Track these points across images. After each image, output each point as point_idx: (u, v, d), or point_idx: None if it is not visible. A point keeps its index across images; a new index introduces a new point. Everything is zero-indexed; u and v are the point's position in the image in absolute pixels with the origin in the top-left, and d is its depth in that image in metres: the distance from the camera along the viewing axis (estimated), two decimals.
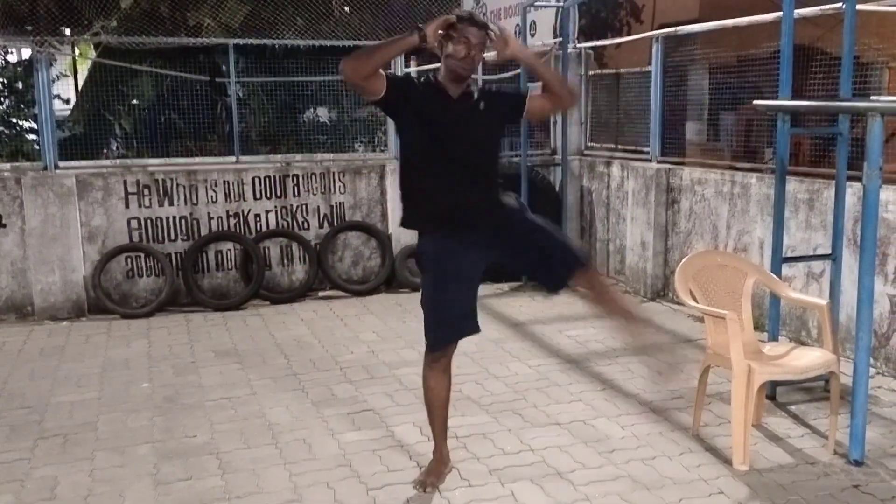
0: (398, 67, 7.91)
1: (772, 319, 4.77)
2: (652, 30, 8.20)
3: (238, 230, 7.49)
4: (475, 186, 3.54)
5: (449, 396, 3.78)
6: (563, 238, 3.78)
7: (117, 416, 4.74)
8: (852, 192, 4.89)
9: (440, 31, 3.40)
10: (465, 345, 5.73)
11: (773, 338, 4.75)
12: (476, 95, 3.56)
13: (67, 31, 10.58)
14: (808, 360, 4.08)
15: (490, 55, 3.70)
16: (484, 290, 4.34)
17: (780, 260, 4.66)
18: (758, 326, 4.89)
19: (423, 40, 3.37)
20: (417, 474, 3.84)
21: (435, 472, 3.79)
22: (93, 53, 10.50)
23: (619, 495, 3.67)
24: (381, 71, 3.38)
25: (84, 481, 3.91)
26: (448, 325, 3.63)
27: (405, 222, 3.67)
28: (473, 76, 3.59)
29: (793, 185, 5.64)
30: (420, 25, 3.39)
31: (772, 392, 4.72)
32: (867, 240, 3.76)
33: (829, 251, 4.92)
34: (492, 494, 3.70)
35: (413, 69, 9.93)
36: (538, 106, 3.63)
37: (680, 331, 6.28)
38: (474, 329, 3.70)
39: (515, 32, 9.79)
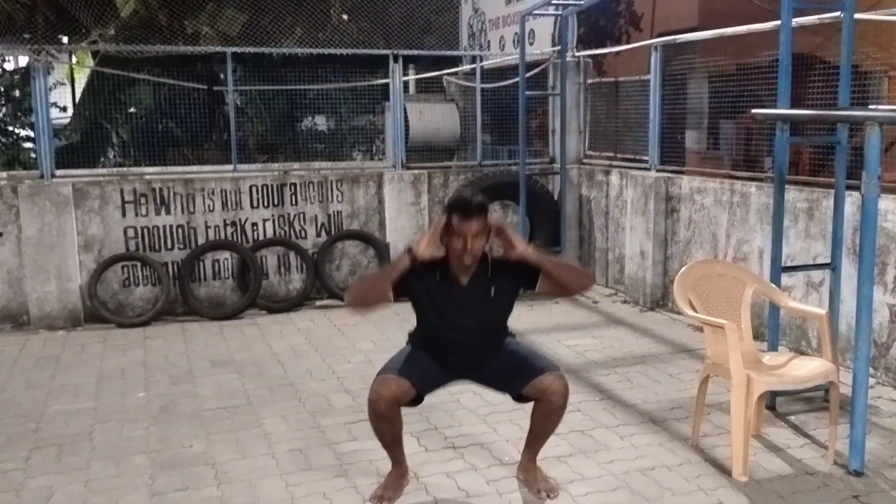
0: (397, 80, 7.90)
1: (771, 329, 4.76)
2: (651, 38, 8.19)
3: (235, 239, 7.47)
4: (481, 348, 3.61)
5: (401, 432, 3.63)
6: (534, 351, 3.77)
7: (113, 426, 4.71)
8: (851, 201, 4.88)
9: (433, 242, 3.38)
10: None
11: (773, 347, 4.74)
12: (489, 274, 3.50)
13: (65, 40, 10.60)
14: (807, 369, 4.07)
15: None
16: None
17: (779, 269, 4.66)
18: (757, 336, 4.86)
19: (415, 261, 3.37)
20: (375, 487, 3.75)
21: (393, 485, 3.72)
22: (91, 62, 10.51)
23: None
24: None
25: (79, 491, 3.89)
26: (394, 372, 3.51)
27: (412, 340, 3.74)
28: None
29: (792, 194, 5.63)
30: (410, 247, 3.39)
31: (771, 402, 4.70)
32: (866, 249, 3.75)
33: (828, 260, 4.91)
34: None
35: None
36: (550, 288, 3.55)
37: (679, 340, 6.26)
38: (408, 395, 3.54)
39: (514, 42, 9.79)
